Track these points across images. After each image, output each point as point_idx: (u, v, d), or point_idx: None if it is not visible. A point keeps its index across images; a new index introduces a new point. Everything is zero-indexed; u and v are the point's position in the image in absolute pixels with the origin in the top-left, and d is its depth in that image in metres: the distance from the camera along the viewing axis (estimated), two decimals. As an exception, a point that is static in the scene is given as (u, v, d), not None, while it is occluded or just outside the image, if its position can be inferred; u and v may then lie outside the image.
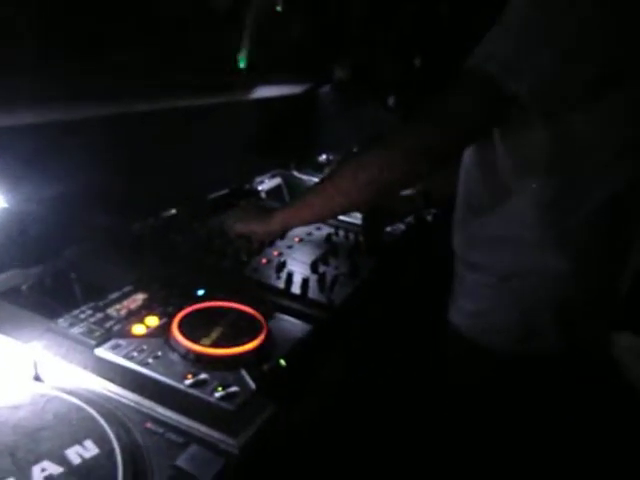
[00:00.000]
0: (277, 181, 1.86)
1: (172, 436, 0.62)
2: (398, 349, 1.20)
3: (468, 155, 1.01)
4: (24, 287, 0.98)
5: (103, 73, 1.08)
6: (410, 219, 1.54)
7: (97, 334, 0.82)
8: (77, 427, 0.60)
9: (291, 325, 0.93)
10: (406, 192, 1.71)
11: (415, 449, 1.12)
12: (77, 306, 0.93)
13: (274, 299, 1.03)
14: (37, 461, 0.55)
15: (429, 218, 1.63)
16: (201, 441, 0.64)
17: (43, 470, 0.54)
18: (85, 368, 0.75)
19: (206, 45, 1.33)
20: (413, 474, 1.14)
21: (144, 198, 1.29)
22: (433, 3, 2.02)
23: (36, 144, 1.01)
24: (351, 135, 2.15)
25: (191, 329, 0.82)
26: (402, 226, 1.53)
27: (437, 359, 1.08)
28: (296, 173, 1.93)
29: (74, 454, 0.57)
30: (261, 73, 1.60)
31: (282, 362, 0.81)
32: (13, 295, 0.95)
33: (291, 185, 1.89)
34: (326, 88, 2.06)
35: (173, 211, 1.31)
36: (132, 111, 1.20)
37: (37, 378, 0.71)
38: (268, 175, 1.85)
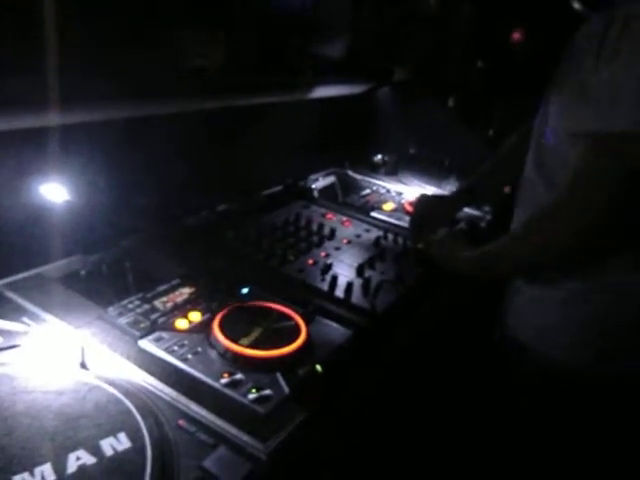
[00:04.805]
0: (331, 179, 1.85)
1: (203, 436, 0.63)
2: (439, 363, 1.16)
3: (532, 160, 0.95)
4: (82, 272, 1.05)
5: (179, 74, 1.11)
6: (462, 225, 1.49)
7: (142, 325, 0.85)
8: (114, 419, 0.62)
9: (331, 330, 0.92)
10: (451, 190, 1.67)
11: (450, 465, 1.08)
12: (129, 293, 0.98)
13: (317, 301, 1.02)
14: (73, 449, 0.58)
15: (482, 224, 1.57)
16: (230, 443, 0.64)
17: (78, 459, 0.57)
18: (128, 358, 0.78)
19: (268, 45, 1.33)
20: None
21: (201, 193, 1.32)
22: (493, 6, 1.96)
23: (100, 141, 1.06)
24: (408, 136, 2.11)
25: (231, 328, 0.83)
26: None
27: (483, 374, 1.03)
28: (350, 172, 1.91)
29: (108, 445, 0.59)
30: (322, 73, 1.59)
31: (318, 368, 0.80)
32: (72, 279, 1.02)
33: (345, 184, 1.87)
34: (386, 89, 2.02)
35: (225, 207, 1.33)
36: (192, 109, 1.22)
37: (83, 365, 0.74)
38: (322, 173, 1.84)
